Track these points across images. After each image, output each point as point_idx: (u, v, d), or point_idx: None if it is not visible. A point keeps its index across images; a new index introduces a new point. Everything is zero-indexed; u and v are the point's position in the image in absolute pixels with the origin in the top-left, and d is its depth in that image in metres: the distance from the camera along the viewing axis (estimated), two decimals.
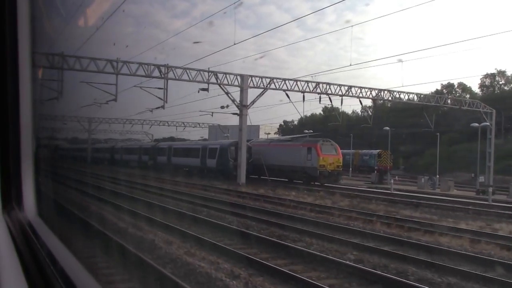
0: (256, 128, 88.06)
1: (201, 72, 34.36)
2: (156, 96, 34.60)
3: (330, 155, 37.84)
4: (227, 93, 36.80)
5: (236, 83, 36.29)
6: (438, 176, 42.91)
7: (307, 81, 37.55)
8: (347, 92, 38.49)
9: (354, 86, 38.65)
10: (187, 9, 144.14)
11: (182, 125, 79.97)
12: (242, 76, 36.74)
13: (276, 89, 37.00)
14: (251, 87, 37.11)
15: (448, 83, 75.20)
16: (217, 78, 35.28)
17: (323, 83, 37.59)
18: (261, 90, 37.29)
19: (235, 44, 35.71)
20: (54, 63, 28.68)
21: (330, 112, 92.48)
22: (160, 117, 77.47)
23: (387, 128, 50.81)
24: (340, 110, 52.37)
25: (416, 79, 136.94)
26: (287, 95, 37.51)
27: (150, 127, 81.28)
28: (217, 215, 18.72)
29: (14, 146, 3.37)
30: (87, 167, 64.48)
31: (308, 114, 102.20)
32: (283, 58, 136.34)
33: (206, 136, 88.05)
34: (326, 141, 39.75)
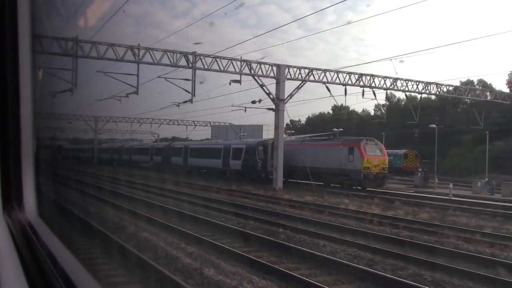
0: (259, 128, 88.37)
1: (233, 61, 33.18)
2: (183, 89, 33.25)
3: (375, 156, 36.82)
4: (261, 86, 35.83)
5: (271, 74, 35.20)
6: (488, 179, 40.87)
7: (349, 73, 36.67)
8: (392, 85, 37.70)
9: (400, 79, 37.77)
10: (187, 9, 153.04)
11: (193, 124, 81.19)
12: (278, 66, 35.71)
13: (315, 81, 36.04)
14: (288, 79, 36.20)
15: (468, 80, 74.61)
16: (250, 68, 34.14)
17: (366, 75, 36.87)
18: (295, 83, 36.32)
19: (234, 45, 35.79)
20: (67, 49, 28.09)
21: (340, 111, 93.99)
22: (177, 114, 77.40)
23: (434, 125, 49.19)
24: (385, 104, 50.69)
25: (430, 78, 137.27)
26: (327, 88, 36.62)
27: (159, 126, 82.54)
28: (271, 230, 16.52)
29: (15, 146, 3.63)
30: (94, 168, 64.78)
31: (313, 113, 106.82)
32: (284, 58, 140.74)
33: (204, 137, 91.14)
34: (370, 140, 38.56)
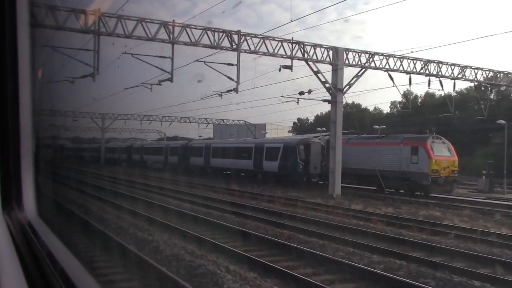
0: (262, 126, 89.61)
1: (283, 42, 31.72)
2: (226, 76, 31.61)
3: (444, 157, 35.20)
4: (316, 73, 34.26)
5: (326, 59, 33.63)
6: None
7: (414, 59, 35.37)
8: (460, 74, 36.49)
9: (470, 67, 36.71)
10: (187, 8, 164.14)
11: (205, 121, 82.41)
12: (336, 49, 34.26)
13: (376, 68, 34.74)
14: (347, 65, 34.70)
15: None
16: (304, 51, 32.76)
17: (433, 61, 35.87)
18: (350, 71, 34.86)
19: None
20: (87, 26, 26.35)
21: (352, 109, 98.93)
22: (201, 109, 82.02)
23: (503, 121, 45.80)
24: (452, 95, 48.78)
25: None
26: (390, 76, 35.39)
27: (170, 124, 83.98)
28: (387, 262, 13.77)
29: (14, 146, 3.96)
30: (101, 169, 65.96)
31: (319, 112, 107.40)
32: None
33: (203, 136, 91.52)
34: (437, 138, 36.58)
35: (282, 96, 39.04)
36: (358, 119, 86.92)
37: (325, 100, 36.40)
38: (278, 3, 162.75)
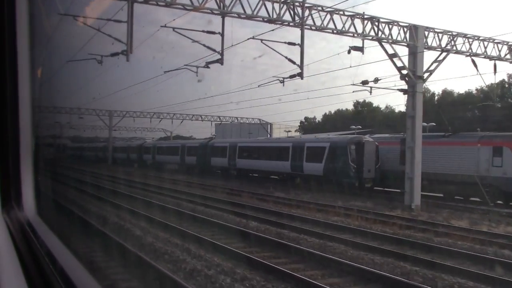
0: (265, 126, 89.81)
1: (354, 18, 29.03)
2: (287, 58, 28.45)
3: None
4: (392, 56, 30.84)
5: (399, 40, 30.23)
6: None
7: (502, 43, 32.76)
8: None
9: None
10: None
11: (218, 119, 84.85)
12: (415, 28, 30.66)
13: (458, 52, 31.89)
14: (427, 49, 31.54)
15: None
16: (378, 29, 29.70)
17: None
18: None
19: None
20: None
21: (363, 107, 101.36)
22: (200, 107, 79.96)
23: None
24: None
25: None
26: (474, 63, 32.46)
27: (181, 122, 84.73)
28: None
29: (14, 145, 4.17)
30: (110, 170, 65.81)
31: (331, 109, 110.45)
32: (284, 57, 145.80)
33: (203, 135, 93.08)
34: None
35: (353, 85, 34.38)
36: (370, 118, 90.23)
37: (401, 90, 31.92)
38: None
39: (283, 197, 33.65)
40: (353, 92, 48.89)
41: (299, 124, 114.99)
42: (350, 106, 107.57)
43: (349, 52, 29.47)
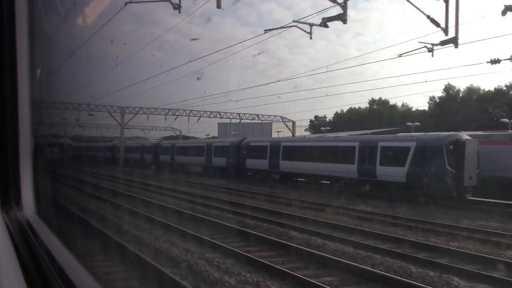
0: (268, 125, 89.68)
1: None
2: (428, 17, 21.61)
3: None
4: None
5: None
6: None
7: None
8: None
9: None
10: (188, 6, 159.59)
11: (238, 117, 79.68)
12: None
13: None
14: None
15: None
16: None
17: None
18: None
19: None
20: None
21: (379, 105, 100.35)
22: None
23: None
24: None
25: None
26: None
27: (199, 119, 79.56)
28: None
29: (13, 144, 4.16)
30: (126, 173, 59.24)
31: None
32: (284, 56, 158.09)
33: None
34: None
35: (492, 61, 27.91)
36: (387, 116, 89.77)
37: None
38: (278, 2, 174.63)
39: (370, 211, 26.92)
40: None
41: (309, 122, 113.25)
42: (362, 104, 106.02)
43: (504, 13, 21.41)
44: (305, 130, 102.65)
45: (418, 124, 57.91)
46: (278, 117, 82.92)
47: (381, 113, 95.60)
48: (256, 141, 54.94)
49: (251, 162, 51.48)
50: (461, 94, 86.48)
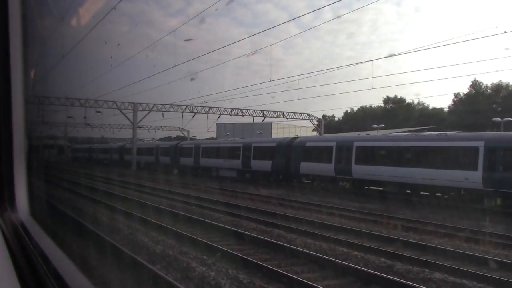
0: (268, 126, 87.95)
1: None
2: None
3: None
4: None
5: None
6: None
7: None
8: None
9: None
10: (182, 8, 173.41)
11: (262, 114, 72.74)
12: None
13: None
14: None
15: None
16: None
17: None
18: None
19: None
20: None
21: (394, 104, 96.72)
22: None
23: None
24: None
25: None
26: None
27: (219, 116, 73.18)
28: None
29: (6, 146, 4.15)
30: (140, 177, 51.60)
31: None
32: (279, 57, 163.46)
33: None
34: None
35: None
36: (403, 115, 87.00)
37: None
38: (274, 2, 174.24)
39: None
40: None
41: (316, 122, 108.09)
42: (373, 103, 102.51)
43: None
44: (312, 130, 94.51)
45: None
46: (304, 114, 77.10)
47: (396, 112, 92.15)
48: (315, 141, 46.99)
49: (307, 166, 42.07)
50: (489, 91, 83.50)
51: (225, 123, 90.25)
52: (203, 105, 69.95)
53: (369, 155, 37.05)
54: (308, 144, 43.65)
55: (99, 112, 69.31)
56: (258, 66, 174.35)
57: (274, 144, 48.23)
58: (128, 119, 73.09)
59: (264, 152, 48.27)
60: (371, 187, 36.80)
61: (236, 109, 71.28)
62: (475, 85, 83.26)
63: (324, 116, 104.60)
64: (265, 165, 46.87)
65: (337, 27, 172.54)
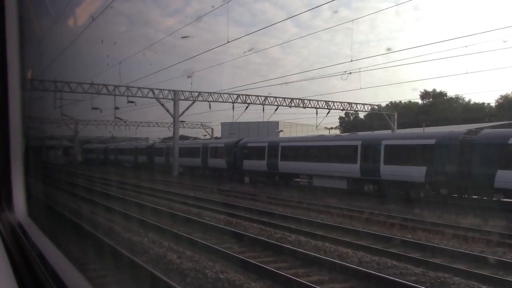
0: (275, 124, 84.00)
1: None
2: None
3: None
4: None
5: None
6: None
7: None
8: None
9: None
10: (180, 7, 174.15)
11: (326, 106, 59.30)
12: None
13: None
14: None
15: None
16: None
17: None
18: None
19: (228, 42, 32.97)
20: None
21: (434, 98, 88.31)
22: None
23: None
24: None
25: None
26: None
27: (276, 109, 58.11)
28: None
29: (4, 147, 4.14)
30: (176, 186, 41.56)
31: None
32: (277, 56, 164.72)
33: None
34: None
35: None
36: (444, 110, 78.38)
37: None
38: (272, 2, 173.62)
39: None
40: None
41: (338, 120, 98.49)
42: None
43: None
44: (335, 127, 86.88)
45: None
46: (374, 106, 66.21)
47: (438, 107, 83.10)
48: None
49: (388, 171, 34.02)
50: None
51: (229, 123, 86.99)
52: (257, 94, 56.65)
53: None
54: (391, 143, 38.25)
55: (131, 102, 55.74)
56: (257, 66, 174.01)
57: (346, 143, 41.83)
58: (168, 111, 57.41)
59: (345, 152, 41.55)
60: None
61: (296, 99, 57.85)
62: None
63: (346, 114, 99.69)
64: (353, 169, 38.89)
65: (335, 27, 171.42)
